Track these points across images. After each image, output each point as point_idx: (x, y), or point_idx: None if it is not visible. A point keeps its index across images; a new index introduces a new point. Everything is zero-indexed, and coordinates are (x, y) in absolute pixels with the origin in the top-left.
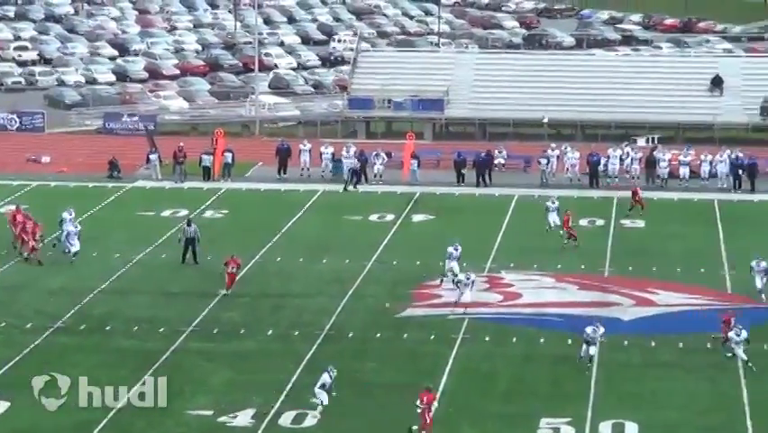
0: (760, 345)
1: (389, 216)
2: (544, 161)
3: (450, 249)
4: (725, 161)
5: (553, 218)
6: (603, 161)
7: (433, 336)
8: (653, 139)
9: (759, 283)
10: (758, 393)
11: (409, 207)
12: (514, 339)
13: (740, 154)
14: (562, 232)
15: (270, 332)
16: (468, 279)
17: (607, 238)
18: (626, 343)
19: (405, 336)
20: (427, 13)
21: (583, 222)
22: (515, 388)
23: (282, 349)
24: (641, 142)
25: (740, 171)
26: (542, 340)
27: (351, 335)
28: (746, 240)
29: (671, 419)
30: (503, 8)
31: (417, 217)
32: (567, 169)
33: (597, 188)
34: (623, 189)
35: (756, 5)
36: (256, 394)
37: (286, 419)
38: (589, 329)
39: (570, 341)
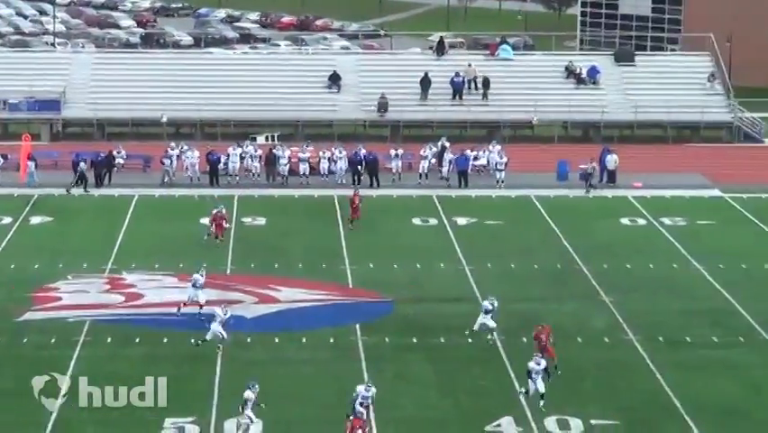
0: (380, 337)
1: (6, 220)
2: (167, 160)
3: (195, 276)
4: (343, 157)
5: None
6: (223, 159)
7: (54, 340)
8: (272, 136)
9: (490, 324)
10: (378, 387)
11: (27, 210)
12: (137, 340)
13: (360, 150)
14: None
15: None
16: (225, 314)
17: (228, 236)
18: (249, 340)
19: (25, 340)
20: (42, 12)
21: (204, 221)
22: (138, 389)
23: None
24: (260, 139)
25: (359, 167)
26: (165, 340)
27: None
28: (366, 234)
29: (295, 415)
30: (119, 7)
31: (35, 220)
32: (187, 168)
33: (217, 186)
34: (243, 188)
35: (371, 3)
36: None
37: None
38: (360, 387)
39: (192, 340)
